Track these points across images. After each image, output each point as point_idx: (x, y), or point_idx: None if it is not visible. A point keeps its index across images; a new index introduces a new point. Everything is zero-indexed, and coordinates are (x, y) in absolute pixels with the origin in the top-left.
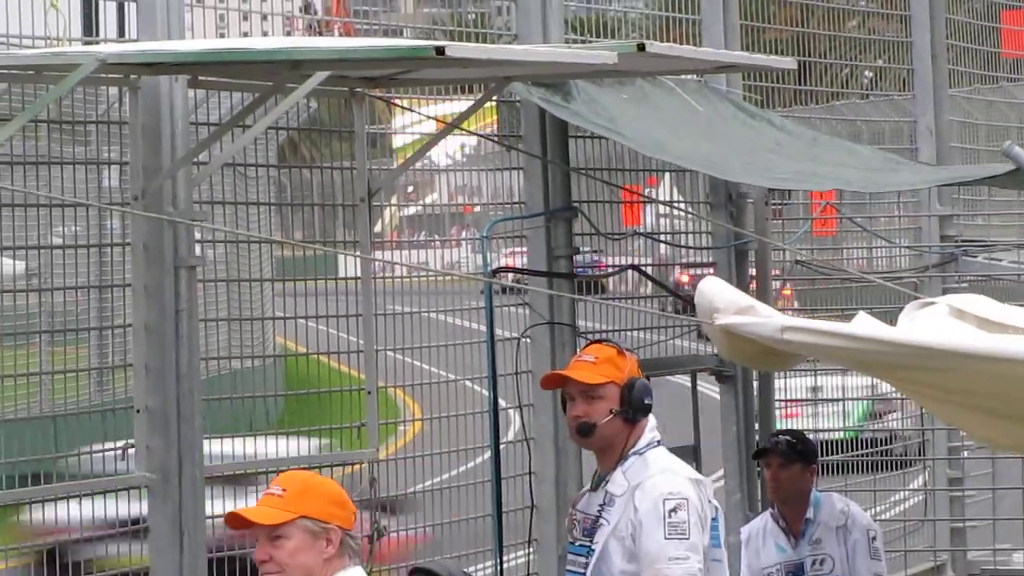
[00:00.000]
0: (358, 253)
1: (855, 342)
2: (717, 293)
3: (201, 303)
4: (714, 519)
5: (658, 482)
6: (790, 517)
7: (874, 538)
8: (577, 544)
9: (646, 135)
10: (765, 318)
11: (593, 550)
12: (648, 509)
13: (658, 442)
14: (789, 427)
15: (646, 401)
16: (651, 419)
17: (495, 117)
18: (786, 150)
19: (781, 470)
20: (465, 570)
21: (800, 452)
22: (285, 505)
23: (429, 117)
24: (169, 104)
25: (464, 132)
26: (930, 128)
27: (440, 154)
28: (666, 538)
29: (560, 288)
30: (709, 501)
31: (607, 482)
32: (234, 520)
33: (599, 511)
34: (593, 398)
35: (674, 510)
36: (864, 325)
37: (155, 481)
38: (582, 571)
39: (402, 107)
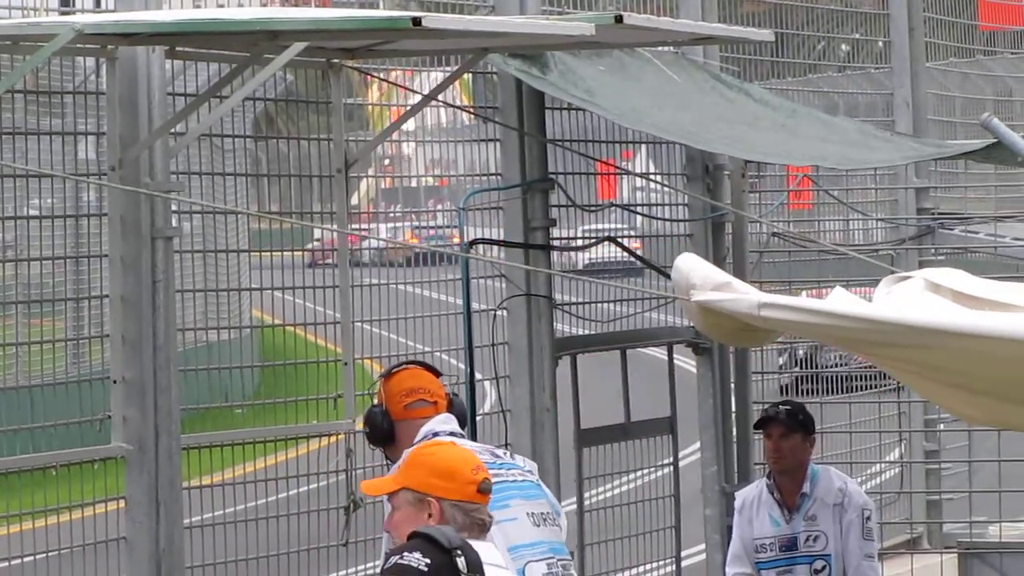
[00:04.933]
0: (334, 226)
1: (832, 319)
2: (693, 269)
3: (177, 275)
4: (503, 482)
5: None
6: (786, 489)
7: (868, 518)
8: None
9: (623, 106)
10: (742, 294)
11: None
12: None
13: (435, 433)
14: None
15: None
16: (442, 415)
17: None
18: (763, 123)
19: (782, 440)
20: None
21: (801, 422)
22: (394, 476)
23: (406, 88)
24: (146, 74)
25: (441, 104)
26: (907, 101)
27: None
28: None
29: (536, 259)
30: (506, 473)
31: None
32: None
33: None
34: None
35: None
36: (841, 301)
37: (131, 452)
38: None
39: (379, 78)
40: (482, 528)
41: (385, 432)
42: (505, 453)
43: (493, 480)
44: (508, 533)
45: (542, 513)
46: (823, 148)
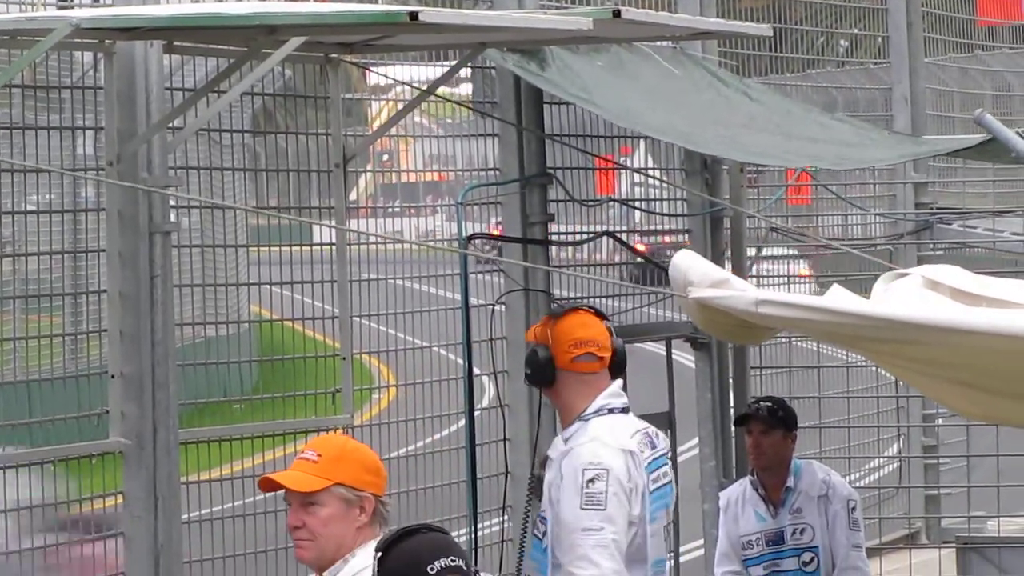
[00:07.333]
0: (333, 222)
1: (830, 315)
2: (691, 266)
3: (175, 270)
4: (660, 487)
5: (583, 451)
6: (770, 485)
7: (853, 508)
8: (541, 511)
9: (620, 105)
10: (740, 291)
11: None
12: (569, 476)
13: (610, 409)
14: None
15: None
16: (613, 385)
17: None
18: (758, 124)
19: (763, 436)
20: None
21: (781, 418)
22: (320, 471)
23: (403, 83)
24: (144, 69)
25: (440, 99)
26: (905, 96)
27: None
28: (582, 508)
29: (535, 254)
30: (661, 473)
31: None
32: (267, 484)
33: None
34: None
35: (592, 480)
36: (839, 298)
37: (130, 447)
38: (539, 537)
39: (377, 73)
40: (385, 522)
41: (547, 379)
42: (658, 436)
43: (653, 485)
44: (649, 551)
45: (665, 525)
46: (818, 148)
